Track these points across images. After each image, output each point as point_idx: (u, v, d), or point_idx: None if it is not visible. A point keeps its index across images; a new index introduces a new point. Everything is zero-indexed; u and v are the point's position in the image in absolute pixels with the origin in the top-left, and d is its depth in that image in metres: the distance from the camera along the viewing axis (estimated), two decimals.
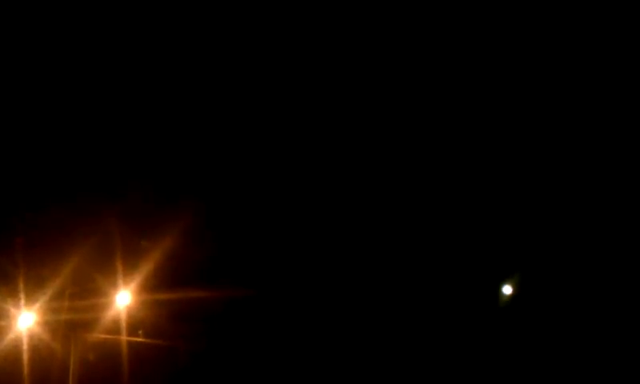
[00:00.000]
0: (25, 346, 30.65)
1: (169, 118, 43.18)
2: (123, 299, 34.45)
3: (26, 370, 31.00)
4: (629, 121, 41.47)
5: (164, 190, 42.83)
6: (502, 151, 44.20)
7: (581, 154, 42.78)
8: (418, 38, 43.38)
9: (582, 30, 40.82)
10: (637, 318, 38.27)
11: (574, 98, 42.78)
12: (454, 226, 44.60)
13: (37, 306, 30.97)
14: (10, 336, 30.17)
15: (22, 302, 30.80)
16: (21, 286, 31.19)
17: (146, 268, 37.03)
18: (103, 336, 34.09)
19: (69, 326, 31.40)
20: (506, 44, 42.80)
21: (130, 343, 35.65)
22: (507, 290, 41.87)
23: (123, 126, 41.20)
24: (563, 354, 39.11)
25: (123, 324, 35.15)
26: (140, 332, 37.33)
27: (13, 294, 30.92)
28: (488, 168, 44.66)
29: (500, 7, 40.65)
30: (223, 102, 43.45)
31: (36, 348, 31.50)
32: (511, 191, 43.96)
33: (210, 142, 43.77)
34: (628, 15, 38.72)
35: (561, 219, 43.15)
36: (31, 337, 30.84)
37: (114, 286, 34.87)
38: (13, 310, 30.31)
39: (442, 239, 44.45)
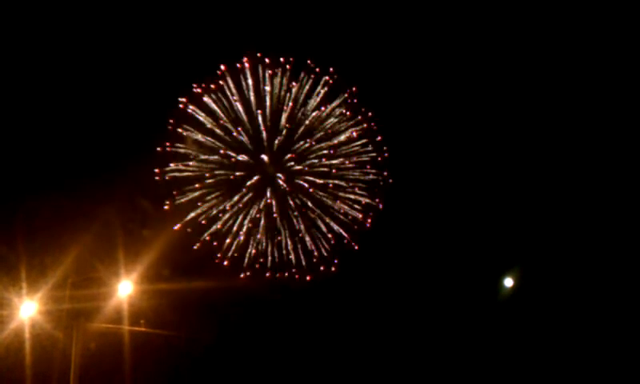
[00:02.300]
0: (27, 335, 30.63)
1: (168, 110, 43.29)
2: (125, 289, 34.33)
3: (28, 358, 31.05)
4: (629, 121, 41.63)
5: (165, 181, 42.91)
6: (502, 151, 44.45)
7: (581, 153, 43.00)
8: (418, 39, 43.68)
9: (582, 30, 40.98)
10: (636, 314, 38.49)
11: (574, 98, 42.94)
12: (456, 220, 44.82)
13: (39, 294, 30.91)
14: (13, 325, 30.13)
15: (25, 290, 30.79)
16: (23, 274, 31.23)
17: (148, 258, 37.10)
18: (105, 325, 33.98)
19: (71, 315, 31.28)
20: (510, 45, 43.04)
21: (131, 332, 35.62)
22: (508, 282, 42.06)
23: (124, 118, 41.26)
24: (563, 345, 39.35)
25: (125, 313, 35.10)
26: (142, 321, 37.31)
27: (15, 283, 30.94)
28: (488, 167, 44.87)
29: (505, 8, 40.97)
30: None
31: (38, 337, 31.47)
32: (511, 189, 44.19)
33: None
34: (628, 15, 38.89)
35: (560, 215, 43.33)
36: (33, 326, 30.79)
37: (116, 275, 34.85)
38: (15, 299, 30.27)
39: (444, 233, 44.68)
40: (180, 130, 41.46)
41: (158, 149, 41.79)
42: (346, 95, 41.29)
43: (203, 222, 39.99)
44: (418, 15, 43.42)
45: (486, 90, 44.49)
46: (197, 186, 40.84)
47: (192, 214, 39.88)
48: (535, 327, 40.20)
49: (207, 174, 40.94)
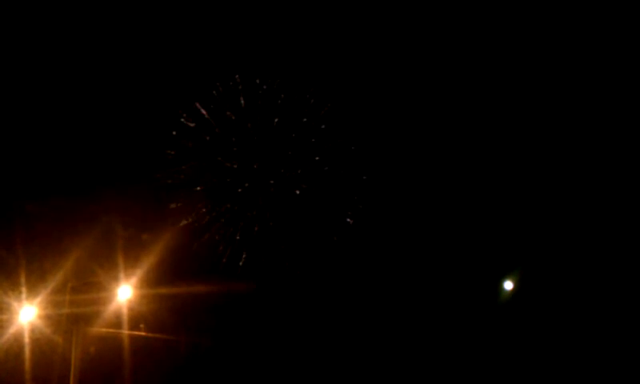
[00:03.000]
0: (27, 340, 30.71)
1: (168, 115, 43.42)
2: (125, 293, 34.43)
3: (27, 363, 31.13)
4: (629, 121, 41.64)
5: (165, 185, 43.03)
6: (502, 151, 44.47)
7: (581, 154, 43.01)
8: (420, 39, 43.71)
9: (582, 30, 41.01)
10: (636, 315, 38.51)
11: (574, 98, 42.94)
12: (455, 223, 44.83)
13: (39, 299, 30.99)
14: (12, 329, 30.19)
15: (24, 295, 30.88)
16: (23, 279, 31.34)
17: (148, 262, 37.21)
18: (105, 329, 34.07)
19: (70, 319, 31.36)
20: (508, 44, 43.08)
21: (131, 337, 35.70)
22: (508, 285, 42.09)
23: (125, 123, 41.45)
24: (562, 348, 39.35)
25: (125, 318, 35.22)
26: (141, 325, 37.44)
27: (15, 288, 31.03)
28: (488, 168, 44.88)
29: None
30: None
31: (38, 341, 31.55)
32: (511, 191, 44.21)
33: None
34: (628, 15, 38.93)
35: (560, 217, 43.35)
36: (33, 330, 30.87)
37: (116, 279, 34.96)
38: (15, 304, 30.35)
39: (444, 236, 44.68)
40: (175, 136, 42.08)
41: (156, 155, 42.11)
42: (329, 105, 41.69)
43: (196, 226, 40.52)
44: (412, 17, 43.67)
45: (487, 90, 44.51)
46: (192, 192, 41.41)
47: (188, 220, 40.42)
48: (535, 330, 40.20)
49: (202, 181, 41.48)
